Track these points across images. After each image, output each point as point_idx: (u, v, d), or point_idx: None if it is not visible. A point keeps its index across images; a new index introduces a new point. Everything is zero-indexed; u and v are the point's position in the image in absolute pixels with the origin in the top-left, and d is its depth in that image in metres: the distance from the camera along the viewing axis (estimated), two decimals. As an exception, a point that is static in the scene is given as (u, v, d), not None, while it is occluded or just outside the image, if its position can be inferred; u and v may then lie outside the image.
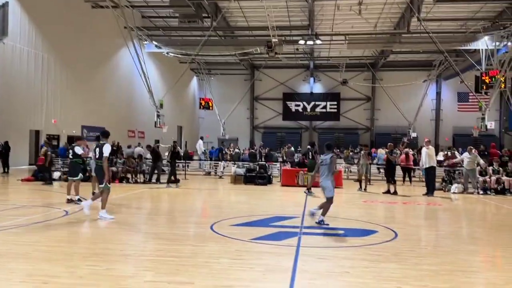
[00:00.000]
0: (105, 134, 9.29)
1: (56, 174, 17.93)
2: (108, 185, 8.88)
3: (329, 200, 8.53)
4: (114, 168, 17.56)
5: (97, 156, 8.97)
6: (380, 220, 9.28)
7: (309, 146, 16.78)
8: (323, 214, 8.42)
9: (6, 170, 19.82)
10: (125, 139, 30.74)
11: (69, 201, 10.82)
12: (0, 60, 21.67)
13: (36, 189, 14.01)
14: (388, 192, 14.63)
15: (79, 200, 10.87)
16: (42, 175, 16.83)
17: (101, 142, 9.07)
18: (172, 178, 16.30)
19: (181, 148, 30.93)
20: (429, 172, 14.61)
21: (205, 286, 4.68)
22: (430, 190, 14.41)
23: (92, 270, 5.19)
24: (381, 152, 21.55)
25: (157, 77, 35.00)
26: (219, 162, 22.05)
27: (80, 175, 11.20)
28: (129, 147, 23.51)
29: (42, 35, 24.04)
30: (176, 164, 17.00)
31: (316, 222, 8.35)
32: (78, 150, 11.13)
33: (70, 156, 11.35)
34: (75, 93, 26.66)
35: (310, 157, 15.85)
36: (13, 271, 5.07)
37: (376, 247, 6.73)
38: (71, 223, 8.30)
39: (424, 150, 15.06)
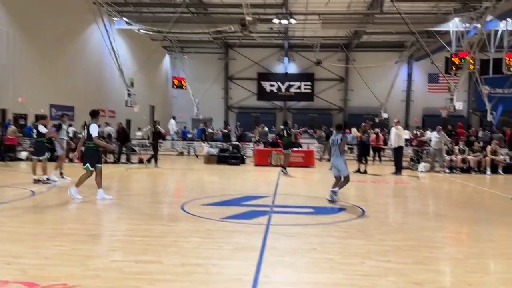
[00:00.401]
0: (92, 113, 9.10)
1: (23, 154, 17.47)
2: (92, 168, 8.61)
3: (346, 179, 8.89)
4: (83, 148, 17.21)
5: (85, 137, 8.74)
6: (349, 198, 9.46)
7: (282, 126, 16.82)
8: (340, 188, 8.88)
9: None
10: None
11: (36, 181, 10.58)
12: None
13: (2, 169, 13.60)
14: (358, 171, 14.91)
15: (47, 179, 10.64)
16: (9, 155, 16.38)
17: (89, 122, 8.86)
18: (145, 158, 16.15)
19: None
20: (397, 152, 14.94)
21: (173, 265, 4.67)
22: (398, 169, 14.77)
23: (58, 251, 5.11)
24: (354, 132, 21.87)
25: (128, 55, 34.13)
26: (202, 143, 21.85)
27: (47, 154, 10.91)
28: (98, 126, 22.98)
29: (6, 10, 23.00)
30: (159, 144, 16.58)
31: (329, 199, 8.69)
32: (42, 129, 10.82)
33: (35, 135, 11.05)
34: (43, 71, 25.76)
35: (286, 135, 15.85)
36: (-26, 252, 4.94)
37: (343, 224, 6.86)
38: (37, 204, 8.12)
39: (393, 130, 15.35)
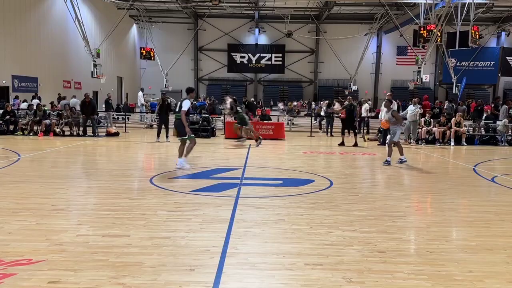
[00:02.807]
0: (188, 90, 9.79)
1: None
2: (192, 135, 9.40)
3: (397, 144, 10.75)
4: (47, 121, 16.69)
5: (177, 110, 9.40)
6: (317, 170, 9.61)
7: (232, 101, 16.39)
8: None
9: None
10: (61, 89, 29.10)
11: None
12: None
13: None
14: (342, 143, 15.19)
15: None
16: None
17: (183, 97, 9.48)
18: (112, 131, 15.79)
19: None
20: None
21: (140, 238, 4.66)
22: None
23: (21, 226, 5.00)
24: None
25: (93, 24, 32.85)
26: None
27: None
28: (63, 98, 22.30)
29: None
30: (168, 118, 15.78)
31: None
32: None
33: None
34: (3, 41, 24.52)
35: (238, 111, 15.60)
36: None
37: (311, 195, 6.98)
38: (0, 178, 7.87)
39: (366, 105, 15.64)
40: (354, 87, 37.91)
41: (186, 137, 9.18)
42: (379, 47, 42.44)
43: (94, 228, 5.03)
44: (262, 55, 43.22)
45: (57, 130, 16.42)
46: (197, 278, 3.68)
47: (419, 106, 16.76)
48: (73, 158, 11.37)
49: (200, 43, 43.63)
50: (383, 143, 15.66)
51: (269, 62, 43.35)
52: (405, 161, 10.78)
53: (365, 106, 19.99)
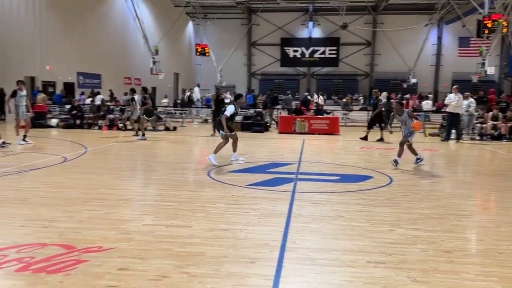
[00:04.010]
0: (235, 96, 10.40)
1: (54, 121, 17.90)
2: (233, 132, 9.62)
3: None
4: (111, 116, 17.51)
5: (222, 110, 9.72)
6: (376, 166, 9.38)
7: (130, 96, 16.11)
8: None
9: (2, 117, 19.74)
10: (121, 86, 30.37)
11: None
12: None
13: (33, 136, 13.98)
14: (365, 138, 14.78)
15: (3, 143, 11.06)
16: (39, 122, 16.81)
17: (229, 102, 10.08)
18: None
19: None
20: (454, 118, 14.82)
21: (202, 229, 4.78)
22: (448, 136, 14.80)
23: (91, 215, 5.29)
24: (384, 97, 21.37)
25: (152, 22, 33.97)
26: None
27: None
28: (125, 94, 23.26)
29: (32, -22, 23.07)
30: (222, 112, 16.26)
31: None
32: None
33: None
34: (69, 39, 25.98)
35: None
36: (13, 216, 5.16)
37: (370, 192, 6.84)
38: (69, 169, 8.37)
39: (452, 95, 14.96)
40: (413, 80, 36.56)
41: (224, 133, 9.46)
42: (439, 38, 40.57)
43: (158, 218, 5.23)
44: (315, 48, 42.70)
45: (120, 124, 17.19)
46: (257, 271, 3.72)
47: (472, 99, 15.86)
48: (135, 151, 11.86)
49: (253, 38, 43.84)
50: (446, 138, 15.01)
51: (323, 56, 42.75)
52: (421, 160, 9.74)
53: (425, 103, 19.26)
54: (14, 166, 8.47)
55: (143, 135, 14.13)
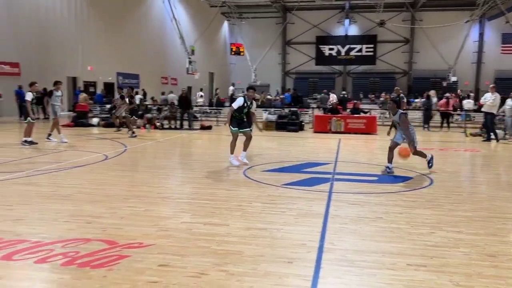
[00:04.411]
0: (247, 88, 9.74)
1: (95, 120, 18.48)
2: (235, 129, 9.06)
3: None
4: (149, 115, 17.90)
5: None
6: (415, 166, 9.15)
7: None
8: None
9: (46, 116, 20.57)
10: (159, 86, 31.01)
11: (26, 142, 11.45)
12: (36, 8, 21.84)
13: (75, 134, 14.50)
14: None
15: (29, 142, 11.46)
16: (81, 121, 17.39)
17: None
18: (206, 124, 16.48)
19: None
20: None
21: (239, 228, 4.82)
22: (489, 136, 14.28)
23: (132, 211, 5.44)
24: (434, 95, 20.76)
25: (188, 22, 34.51)
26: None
27: (28, 118, 11.60)
28: (162, 94, 23.76)
29: (74, -19, 23.90)
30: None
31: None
32: (28, 95, 11.64)
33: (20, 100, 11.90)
34: (109, 40, 26.78)
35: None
36: (58, 211, 5.38)
37: (410, 193, 6.69)
38: (110, 167, 8.63)
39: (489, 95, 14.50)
40: (453, 78, 35.43)
41: (249, 128, 9.16)
42: (481, 34, 39.17)
43: (195, 216, 5.31)
44: (352, 46, 42.16)
45: (157, 123, 17.56)
46: (295, 271, 3.72)
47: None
48: (172, 150, 12.11)
49: (288, 37, 43.73)
50: (487, 139, 14.48)
51: (360, 54, 42.17)
52: (431, 163, 8.46)
53: (466, 102, 18.64)
54: (59, 164, 8.81)
55: (133, 132, 14.39)
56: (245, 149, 9.18)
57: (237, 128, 8.98)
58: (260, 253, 4.08)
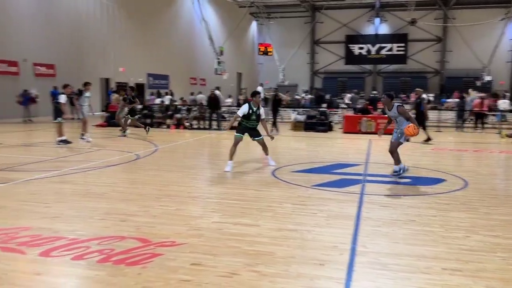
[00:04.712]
0: (252, 93, 9.12)
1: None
2: (239, 134, 8.78)
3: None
4: (178, 115, 18.14)
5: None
6: (449, 168, 8.93)
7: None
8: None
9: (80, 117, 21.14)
10: (187, 86, 31.37)
11: (61, 141, 11.77)
12: (70, 11, 22.51)
13: (108, 134, 14.85)
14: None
15: (62, 141, 11.72)
16: (113, 121, 17.78)
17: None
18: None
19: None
20: None
21: (269, 229, 4.82)
22: None
23: (164, 210, 5.52)
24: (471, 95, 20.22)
25: (217, 23, 34.79)
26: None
27: (59, 118, 11.82)
28: (191, 94, 24.02)
29: (107, -16, 24.49)
30: (278, 111, 16.80)
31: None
32: (61, 98, 11.82)
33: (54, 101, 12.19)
34: (140, 42, 27.31)
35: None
36: (94, 209, 5.52)
37: (444, 196, 6.52)
38: (142, 166, 8.80)
39: None
40: (487, 78, 34.37)
41: (261, 137, 8.85)
42: (518, 32, 37.77)
43: (225, 216, 5.35)
44: (382, 45, 41.52)
45: (187, 123, 17.78)
46: (327, 273, 3.69)
47: None
48: (201, 150, 12.23)
49: (317, 36, 43.44)
50: None
51: (390, 52, 41.47)
52: (399, 174, 7.68)
53: (502, 102, 18.04)
54: (92, 163, 9.05)
55: (124, 131, 14.56)
56: (266, 153, 9.02)
57: (241, 134, 8.64)
58: (291, 255, 4.07)
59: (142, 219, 5.11)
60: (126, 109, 14.90)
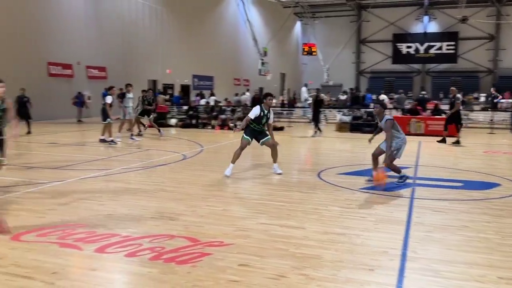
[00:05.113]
0: (263, 95, 8.97)
1: (173, 121, 19.32)
2: (247, 138, 8.46)
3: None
4: (223, 116, 18.37)
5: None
6: (503, 172, 8.51)
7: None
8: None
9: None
10: (231, 87, 31.69)
11: (102, 140, 12.24)
12: (119, 14, 23.36)
13: (155, 134, 15.25)
14: (443, 141, 13.41)
15: (111, 141, 12.12)
16: (160, 121, 18.27)
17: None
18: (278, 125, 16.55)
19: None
20: None
21: (315, 232, 4.79)
22: None
23: (211, 210, 5.62)
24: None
25: (261, 24, 34.93)
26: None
27: (108, 119, 12.19)
28: (235, 95, 24.25)
29: (156, -12, 25.22)
30: (320, 112, 16.64)
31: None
32: (108, 99, 12.21)
33: (102, 102, 12.60)
34: (186, 44, 27.91)
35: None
36: (145, 208, 5.71)
37: (498, 201, 6.23)
38: (189, 166, 8.99)
39: None
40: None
41: (269, 137, 8.34)
42: None
43: (271, 217, 5.36)
44: (431, 44, 40.18)
45: (231, 124, 17.97)
46: (377, 279, 3.62)
47: None
48: (245, 151, 12.23)
49: (363, 35, 42.67)
50: None
51: (439, 51, 40.07)
52: (403, 180, 7.22)
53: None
54: (142, 162, 9.35)
55: (138, 134, 14.23)
56: (274, 161, 8.40)
57: (249, 138, 8.24)
58: (339, 259, 4.02)
59: (190, 219, 5.23)
60: (139, 109, 14.95)
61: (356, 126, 17.03)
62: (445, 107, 21.68)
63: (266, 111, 8.20)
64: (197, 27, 28.74)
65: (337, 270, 3.78)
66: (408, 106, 19.03)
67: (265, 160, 10.62)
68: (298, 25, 44.76)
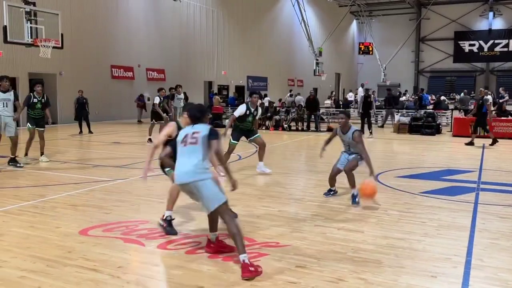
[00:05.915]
0: (250, 93, 8.82)
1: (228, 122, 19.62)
2: (234, 142, 8.23)
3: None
4: (277, 117, 18.42)
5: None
6: None
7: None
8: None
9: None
10: (285, 87, 31.69)
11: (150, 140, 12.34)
12: (178, 17, 24.11)
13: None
14: (471, 143, 12.73)
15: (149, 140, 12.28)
16: (216, 122, 18.63)
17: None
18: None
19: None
20: None
21: (375, 236, 4.68)
22: None
23: (266, 211, 5.66)
24: None
25: (316, 24, 34.64)
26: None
27: (153, 120, 12.47)
28: (290, 96, 24.21)
29: (212, -11, 25.79)
30: (371, 114, 16.32)
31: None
32: (156, 99, 12.38)
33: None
34: (241, 45, 28.27)
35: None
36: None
37: None
38: (244, 167, 9.10)
39: None
40: None
41: (258, 134, 8.26)
42: None
43: (328, 220, 5.31)
44: (496, 41, 37.99)
45: (285, 125, 17.98)
46: (440, 286, 3.49)
47: None
48: (299, 152, 12.28)
49: (423, 33, 41.15)
50: None
51: (506, 49, 37.79)
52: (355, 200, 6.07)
53: None
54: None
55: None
56: (261, 159, 8.24)
57: (236, 141, 8.07)
58: (400, 264, 3.91)
59: (246, 219, 5.29)
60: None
61: (415, 128, 16.44)
62: (510, 107, 20.37)
63: (252, 109, 8.05)
64: (252, 28, 29.02)
65: (398, 275, 3.67)
66: (471, 107, 18.08)
67: (320, 161, 10.53)
68: (354, 24, 43.94)
